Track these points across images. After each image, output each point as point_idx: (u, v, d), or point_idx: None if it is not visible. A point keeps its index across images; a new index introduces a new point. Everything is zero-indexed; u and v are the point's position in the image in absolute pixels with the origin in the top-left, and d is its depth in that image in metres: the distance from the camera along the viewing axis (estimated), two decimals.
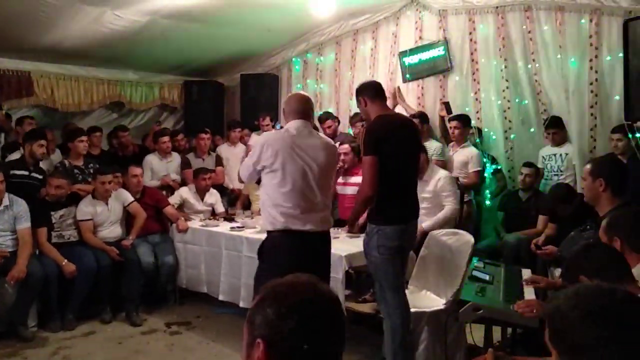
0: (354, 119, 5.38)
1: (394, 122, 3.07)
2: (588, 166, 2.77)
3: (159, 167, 5.51)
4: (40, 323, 4.15)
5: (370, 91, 3.09)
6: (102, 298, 4.41)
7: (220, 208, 5.27)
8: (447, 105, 5.08)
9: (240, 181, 4.14)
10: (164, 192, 5.29)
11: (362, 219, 4.09)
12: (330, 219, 3.06)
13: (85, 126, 5.86)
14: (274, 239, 2.89)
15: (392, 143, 2.90)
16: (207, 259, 4.50)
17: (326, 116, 5.66)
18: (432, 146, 4.97)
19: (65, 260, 4.19)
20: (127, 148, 5.94)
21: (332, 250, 3.43)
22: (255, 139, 5.67)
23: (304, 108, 3.00)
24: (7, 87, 5.61)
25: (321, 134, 3.26)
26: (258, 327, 1.06)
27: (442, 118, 5.18)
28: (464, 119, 4.91)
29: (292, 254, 2.77)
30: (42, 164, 4.89)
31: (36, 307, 4.13)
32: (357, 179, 4.40)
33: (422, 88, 5.54)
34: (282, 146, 2.84)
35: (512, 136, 5.01)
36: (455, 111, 5.13)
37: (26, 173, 4.46)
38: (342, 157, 4.44)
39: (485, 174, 5.08)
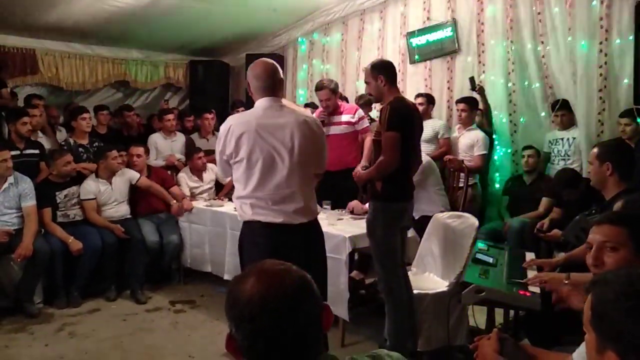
0: (360, 101, 5.33)
1: (412, 106, 3.14)
2: (595, 150, 2.75)
3: (164, 146, 5.51)
4: (46, 300, 4.19)
5: (391, 72, 3.08)
6: (107, 276, 4.45)
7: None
8: (471, 80, 4.89)
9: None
10: (169, 172, 5.31)
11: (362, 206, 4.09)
12: (313, 208, 2.66)
13: (90, 105, 5.86)
14: (246, 230, 2.60)
15: (410, 125, 2.97)
16: (211, 238, 4.52)
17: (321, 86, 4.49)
18: (437, 124, 4.98)
19: (72, 238, 4.22)
20: (132, 127, 5.94)
21: (336, 232, 3.45)
22: None
23: (271, 82, 2.57)
24: (12, 65, 5.60)
25: (296, 107, 2.96)
26: None
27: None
28: (471, 102, 4.87)
29: (263, 247, 2.47)
30: (47, 143, 4.90)
31: (42, 284, 4.17)
32: (342, 117, 4.42)
33: (430, 70, 5.49)
34: (245, 131, 2.47)
35: (519, 119, 4.96)
36: (463, 94, 5.09)
37: (17, 153, 4.41)
38: (323, 104, 4.39)
39: (496, 157, 5.06)
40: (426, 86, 5.47)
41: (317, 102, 5.42)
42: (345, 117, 4.43)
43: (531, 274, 2.71)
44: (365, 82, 3.14)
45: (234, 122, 2.54)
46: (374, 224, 3.04)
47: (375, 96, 3.13)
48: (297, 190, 2.53)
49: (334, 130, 4.42)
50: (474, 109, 4.88)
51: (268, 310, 1.04)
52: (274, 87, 2.59)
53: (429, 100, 5.07)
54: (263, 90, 2.57)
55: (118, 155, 4.62)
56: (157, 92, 7.05)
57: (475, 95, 4.91)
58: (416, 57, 5.49)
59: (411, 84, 5.55)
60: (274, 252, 2.33)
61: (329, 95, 4.34)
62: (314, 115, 4.34)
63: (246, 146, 2.47)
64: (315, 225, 2.68)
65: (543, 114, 4.83)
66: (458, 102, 4.93)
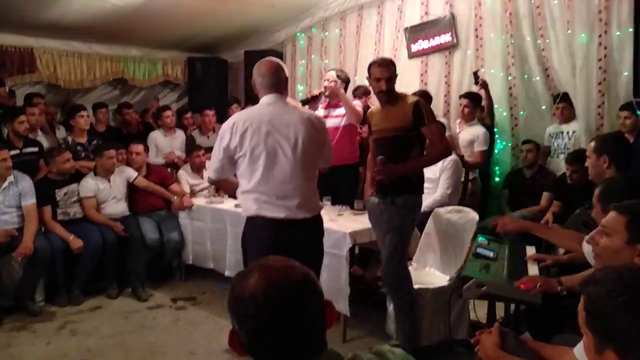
0: (357, 91, 5.30)
1: None
2: (592, 144, 2.77)
3: (164, 143, 5.51)
4: (47, 298, 4.21)
5: None
6: (108, 273, 4.46)
7: None
8: (475, 75, 4.82)
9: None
10: (169, 170, 5.30)
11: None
12: (316, 203, 2.71)
13: (88, 102, 5.85)
14: (249, 226, 2.63)
15: None
16: (212, 235, 4.53)
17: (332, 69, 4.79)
18: None
19: (72, 236, 4.23)
20: (131, 125, 5.94)
21: (336, 228, 3.45)
22: None
23: (276, 80, 2.62)
24: (9, 64, 5.58)
25: (301, 107, 2.94)
26: None
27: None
28: (474, 98, 4.83)
29: (267, 243, 2.50)
30: (47, 142, 4.90)
31: (43, 282, 4.18)
32: (339, 110, 4.44)
33: (426, 65, 5.47)
34: (249, 126, 2.51)
35: (520, 113, 4.95)
36: (461, 89, 5.08)
37: (17, 152, 4.40)
38: (325, 83, 4.39)
39: (496, 151, 5.05)
40: (422, 81, 5.45)
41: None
42: (341, 110, 4.44)
43: (532, 267, 2.72)
44: (387, 79, 3.10)
45: (238, 118, 2.59)
46: (406, 218, 3.05)
47: (389, 92, 3.13)
48: (300, 186, 2.57)
49: (330, 123, 4.42)
50: (477, 105, 4.85)
51: (272, 306, 1.04)
52: (279, 85, 2.64)
53: (425, 99, 5.01)
54: (268, 87, 2.62)
55: (115, 155, 4.62)
56: (155, 89, 7.02)
57: (477, 89, 4.88)
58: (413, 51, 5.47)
59: (408, 78, 5.52)
60: (278, 247, 2.40)
61: (335, 79, 4.39)
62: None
63: (250, 140, 2.51)
64: (317, 221, 2.71)
65: (544, 107, 4.81)
66: (462, 97, 4.89)
